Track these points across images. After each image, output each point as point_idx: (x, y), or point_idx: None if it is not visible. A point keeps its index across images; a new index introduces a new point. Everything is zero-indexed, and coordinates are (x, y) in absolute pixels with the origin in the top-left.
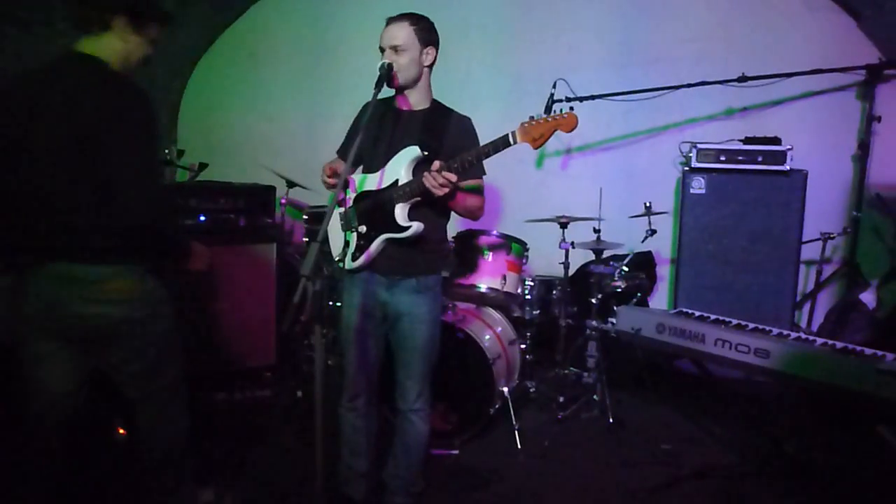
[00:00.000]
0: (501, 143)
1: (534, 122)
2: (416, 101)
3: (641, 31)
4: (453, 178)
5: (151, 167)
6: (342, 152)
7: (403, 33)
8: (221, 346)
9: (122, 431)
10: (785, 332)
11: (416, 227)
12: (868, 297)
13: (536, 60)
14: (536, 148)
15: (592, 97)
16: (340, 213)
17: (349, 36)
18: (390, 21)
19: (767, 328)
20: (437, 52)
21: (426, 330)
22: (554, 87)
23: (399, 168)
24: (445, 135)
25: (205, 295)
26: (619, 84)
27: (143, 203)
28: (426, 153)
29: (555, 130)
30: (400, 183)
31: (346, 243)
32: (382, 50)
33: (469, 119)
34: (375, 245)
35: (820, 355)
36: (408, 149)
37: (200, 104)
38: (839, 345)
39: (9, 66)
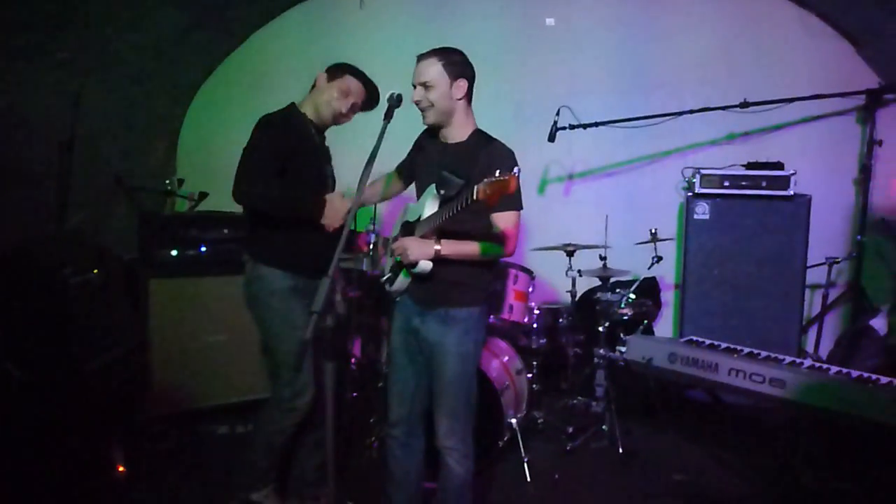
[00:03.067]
0: (470, 197)
1: (490, 181)
2: (453, 134)
3: (644, 57)
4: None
5: None
6: (399, 170)
7: (432, 70)
8: (223, 379)
9: (121, 469)
10: (798, 361)
11: (423, 265)
12: (878, 323)
13: (539, 87)
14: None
15: (596, 124)
16: (392, 239)
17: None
18: (420, 58)
19: (780, 356)
20: (470, 84)
21: (454, 363)
22: (557, 114)
23: (425, 203)
24: (475, 167)
25: (206, 326)
26: (622, 110)
27: None
28: (441, 192)
29: (500, 191)
30: (422, 218)
31: (391, 269)
32: (415, 86)
33: (507, 150)
34: (401, 278)
35: (836, 385)
36: (431, 186)
37: (201, 132)
38: (854, 373)
39: (13, 99)
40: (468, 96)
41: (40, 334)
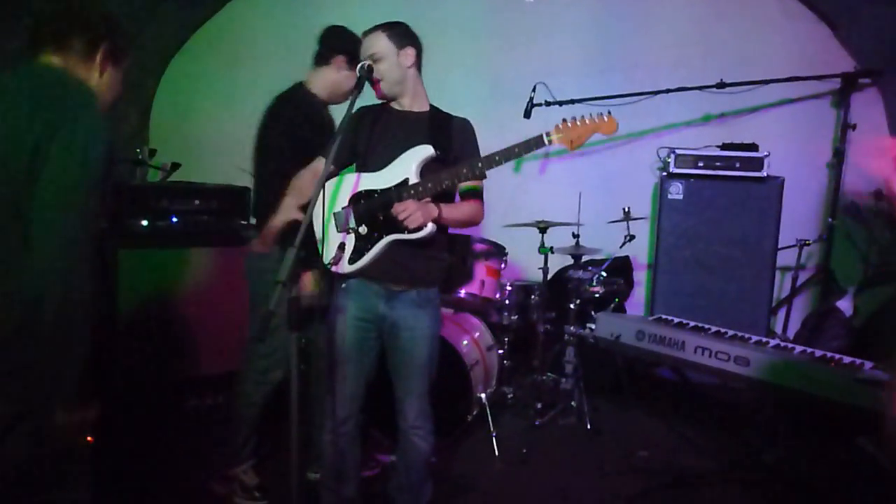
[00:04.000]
0: (534, 144)
1: (570, 124)
2: (411, 104)
3: (620, 36)
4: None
5: None
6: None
7: (379, 42)
8: (192, 351)
9: (89, 439)
10: (764, 340)
11: (431, 228)
12: (844, 305)
13: (515, 65)
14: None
15: (571, 101)
16: (333, 214)
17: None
18: (364, 34)
19: (746, 335)
20: (417, 52)
21: (426, 346)
22: (534, 90)
23: (409, 166)
24: (451, 136)
25: (176, 298)
26: (598, 89)
27: None
28: (439, 152)
29: (594, 133)
30: (411, 182)
31: (342, 246)
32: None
33: (469, 121)
34: (379, 247)
35: (799, 364)
36: (420, 147)
37: (174, 103)
38: (818, 353)
39: None
40: (418, 65)
41: None
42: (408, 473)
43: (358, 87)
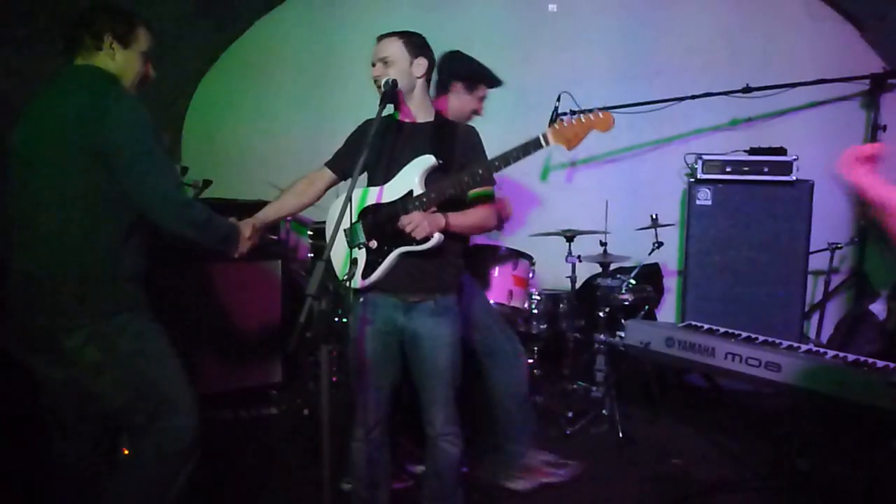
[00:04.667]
0: (532, 146)
1: (566, 124)
2: (416, 113)
3: (645, 43)
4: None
5: None
6: (333, 165)
7: (393, 46)
8: (226, 364)
9: (126, 452)
10: (795, 345)
11: (438, 238)
12: (878, 308)
13: (540, 74)
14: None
15: (597, 110)
16: (344, 231)
17: (354, 51)
18: (380, 38)
19: (777, 341)
20: (429, 65)
21: (449, 353)
22: (558, 100)
23: (412, 177)
24: (455, 145)
25: (209, 312)
26: (624, 96)
27: None
28: (441, 161)
29: (590, 130)
30: (415, 193)
31: (354, 261)
32: (374, 65)
33: (474, 128)
34: (390, 259)
35: (831, 368)
36: (422, 157)
37: (205, 121)
38: (851, 357)
39: (9, 87)
40: (427, 78)
41: None
42: (439, 481)
43: (382, 102)
